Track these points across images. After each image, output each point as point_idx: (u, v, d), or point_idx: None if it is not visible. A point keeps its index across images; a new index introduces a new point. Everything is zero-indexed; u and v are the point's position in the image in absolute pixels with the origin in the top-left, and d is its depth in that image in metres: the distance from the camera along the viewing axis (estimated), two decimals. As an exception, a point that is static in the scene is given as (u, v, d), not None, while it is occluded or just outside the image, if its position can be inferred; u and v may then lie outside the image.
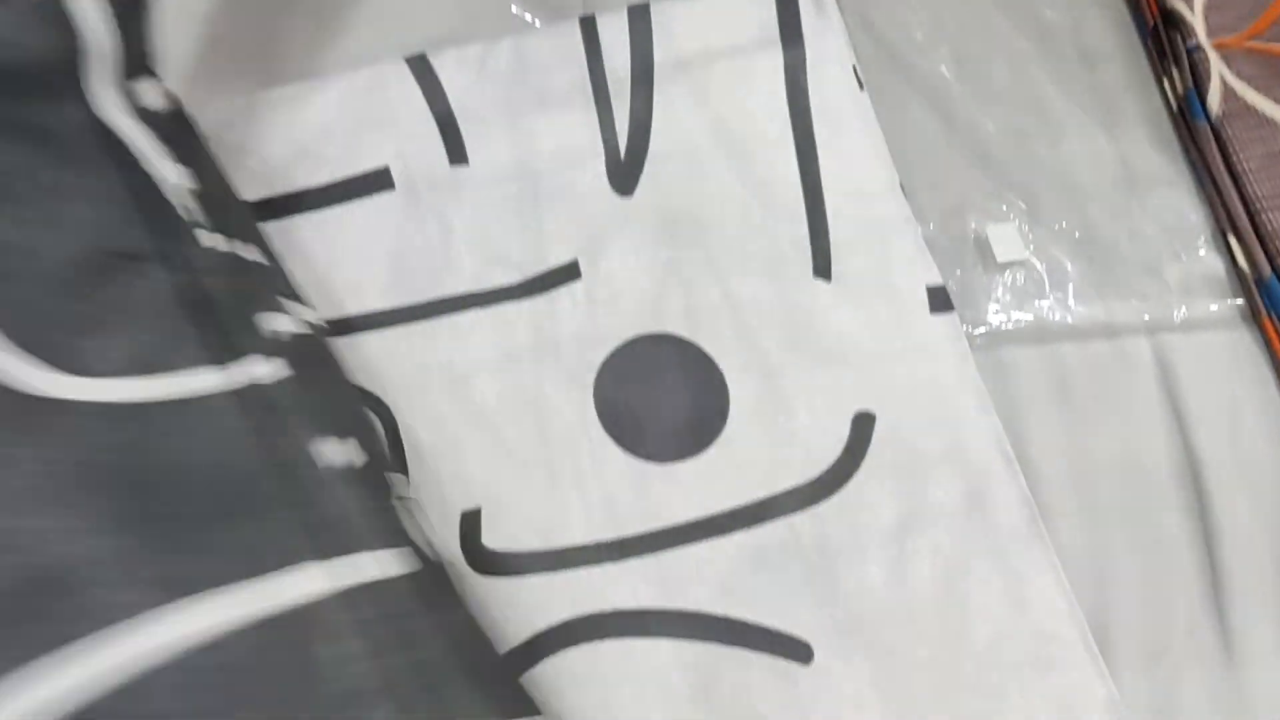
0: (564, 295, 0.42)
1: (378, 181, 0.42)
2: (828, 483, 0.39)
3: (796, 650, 0.37)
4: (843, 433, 0.40)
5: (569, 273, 0.42)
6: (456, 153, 0.44)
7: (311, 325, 0.37)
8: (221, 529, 0.28)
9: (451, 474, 0.39)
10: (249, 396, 0.30)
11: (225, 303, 0.33)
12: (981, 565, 0.38)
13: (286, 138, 0.43)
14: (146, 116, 0.35)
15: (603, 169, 0.44)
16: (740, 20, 0.46)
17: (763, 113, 0.45)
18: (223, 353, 0.31)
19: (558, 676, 0.36)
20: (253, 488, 0.29)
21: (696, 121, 0.44)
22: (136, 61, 0.35)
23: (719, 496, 0.39)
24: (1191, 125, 0.47)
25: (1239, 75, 0.46)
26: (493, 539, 0.38)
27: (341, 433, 0.32)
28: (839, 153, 0.44)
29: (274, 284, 0.37)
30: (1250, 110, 0.46)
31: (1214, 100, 0.46)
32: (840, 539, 0.39)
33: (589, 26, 0.45)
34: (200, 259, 0.33)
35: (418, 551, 0.32)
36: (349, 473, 0.31)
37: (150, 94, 0.36)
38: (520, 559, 0.38)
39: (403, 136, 0.43)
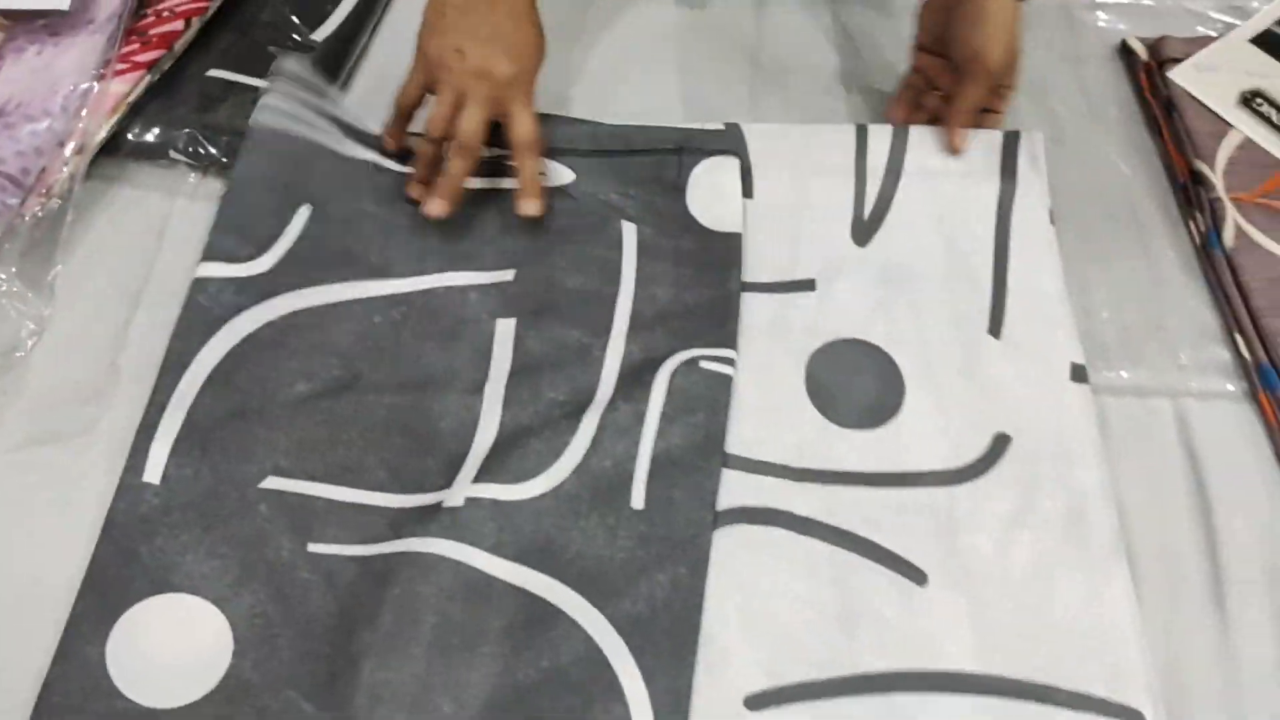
0: (800, 299, 0.57)
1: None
2: (965, 474, 0.52)
3: (916, 575, 0.49)
4: (984, 444, 0.53)
5: (807, 285, 0.57)
6: (746, 189, 0.60)
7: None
8: None
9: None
10: None
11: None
12: (1070, 562, 0.50)
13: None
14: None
15: (849, 224, 0.59)
16: (974, 152, 0.62)
17: (975, 217, 0.60)
18: None
19: (734, 540, 0.50)
20: None
21: (925, 210, 0.60)
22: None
23: (882, 461, 0.52)
24: (1210, 254, 0.61)
25: (1248, 220, 0.61)
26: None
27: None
28: (1024, 258, 0.59)
29: None
30: (1255, 246, 0.61)
31: (1228, 237, 0.61)
32: (965, 514, 0.51)
33: (862, 131, 0.62)
34: None
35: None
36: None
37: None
38: (731, 458, 0.52)
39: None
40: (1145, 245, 0.63)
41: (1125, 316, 0.60)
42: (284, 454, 0.51)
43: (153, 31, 0.61)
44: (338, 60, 0.66)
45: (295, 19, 0.67)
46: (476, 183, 0.60)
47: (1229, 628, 0.50)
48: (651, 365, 0.53)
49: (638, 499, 0.50)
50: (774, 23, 0.73)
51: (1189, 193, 0.64)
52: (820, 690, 0.46)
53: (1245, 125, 0.66)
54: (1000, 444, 0.53)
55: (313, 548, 0.49)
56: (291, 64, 0.59)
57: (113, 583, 0.47)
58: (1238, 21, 0.73)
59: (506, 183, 0.60)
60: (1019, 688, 0.47)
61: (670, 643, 0.46)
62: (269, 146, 0.58)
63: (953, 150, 0.61)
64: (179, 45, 0.61)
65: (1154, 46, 0.70)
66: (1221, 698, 0.48)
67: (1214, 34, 0.72)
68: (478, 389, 0.54)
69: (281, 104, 0.59)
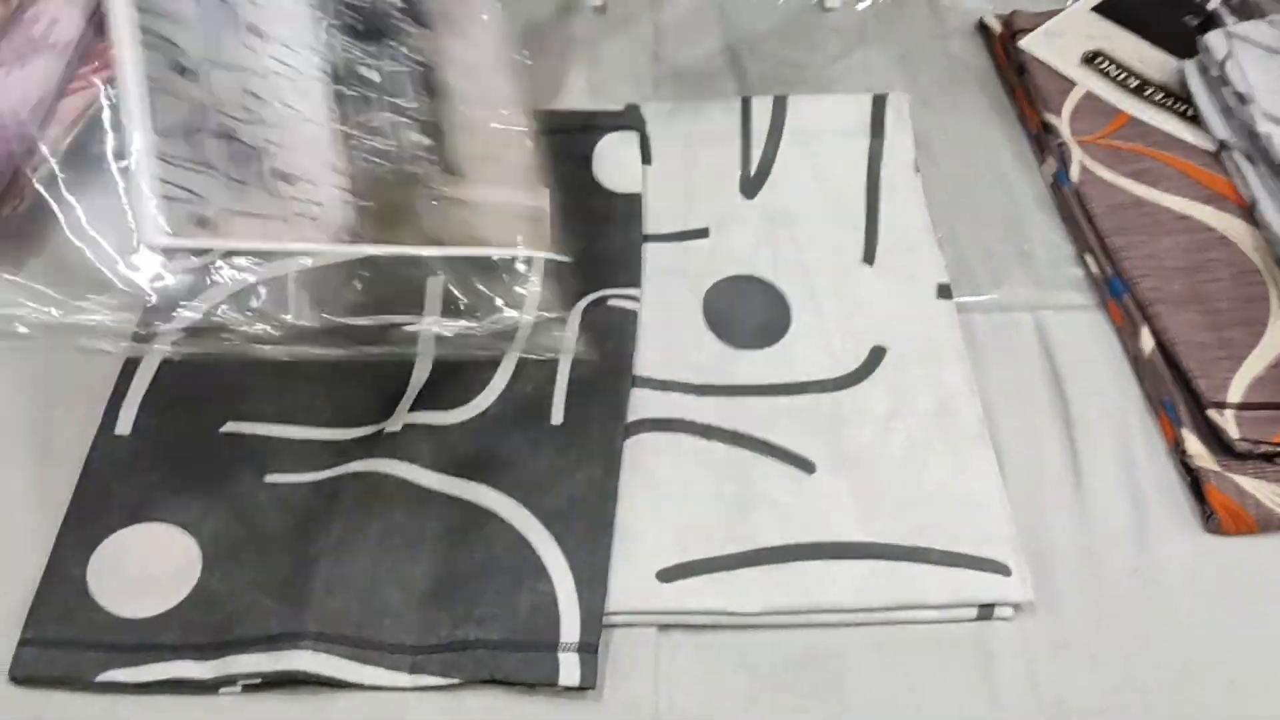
0: (696, 244, 0.65)
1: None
2: (847, 381, 0.59)
3: (805, 465, 0.56)
4: (862, 354, 0.60)
5: (702, 233, 0.65)
6: (645, 156, 0.68)
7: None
8: None
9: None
10: None
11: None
12: (939, 445, 0.57)
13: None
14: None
15: (737, 181, 0.67)
16: (846, 113, 0.70)
17: (849, 169, 0.68)
18: None
19: (646, 446, 0.56)
20: None
21: (805, 165, 0.68)
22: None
23: (773, 375, 0.59)
24: (1061, 190, 0.69)
25: (1092, 158, 0.69)
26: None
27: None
28: (893, 200, 0.67)
29: None
30: (1098, 179, 0.68)
31: (1075, 173, 0.69)
32: (847, 413, 0.58)
33: (746, 101, 0.70)
34: None
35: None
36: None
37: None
38: (639, 379, 0.59)
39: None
40: (1006, 187, 0.71)
41: (990, 247, 0.68)
42: (240, 402, 0.58)
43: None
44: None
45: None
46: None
47: (1085, 497, 0.57)
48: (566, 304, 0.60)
49: (556, 416, 0.57)
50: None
51: (1041, 140, 0.73)
52: (724, 563, 0.52)
53: (1088, 81, 0.74)
54: (877, 354, 0.60)
55: (269, 478, 0.55)
56: None
57: (91, 516, 0.53)
58: (1077, -7, 0.82)
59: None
60: (899, 551, 0.53)
61: (588, 529, 0.53)
62: None
63: None
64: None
65: (1007, 20, 0.79)
66: (1079, 554, 0.55)
67: (1061, 8, 0.81)
68: (412, 339, 0.60)
69: None
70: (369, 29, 0.52)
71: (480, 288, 0.53)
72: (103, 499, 0.54)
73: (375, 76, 0.51)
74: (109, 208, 0.46)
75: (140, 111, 0.43)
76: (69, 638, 0.50)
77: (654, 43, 0.80)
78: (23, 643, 0.49)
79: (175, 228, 0.43)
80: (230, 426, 0.57)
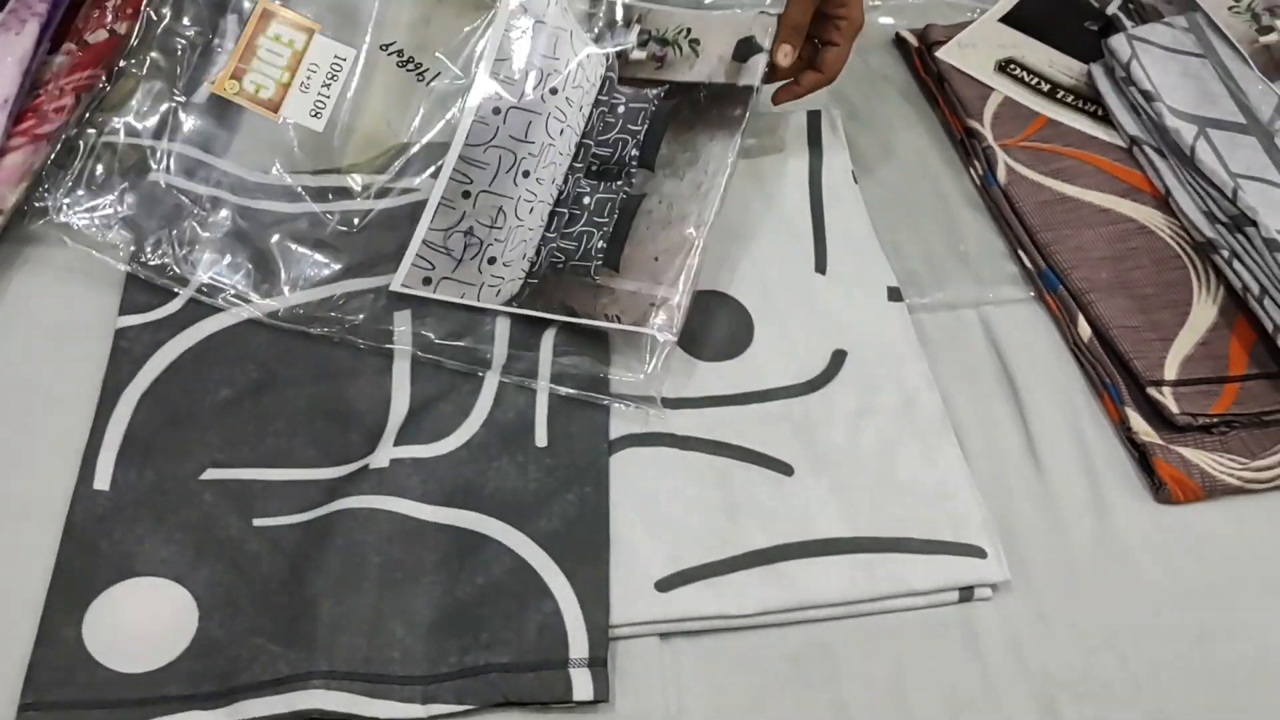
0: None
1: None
2: (813, 385, 0.62)
3: (784, 468, 0.58)
4: (825, 358, 0.63)
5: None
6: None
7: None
8: None
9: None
10: None
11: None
12: (907, 439, 0.59)
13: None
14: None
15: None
16: (785, 133, 0.73)
17: (792, 184, 0.71)
18: None
19: (628, 462, 0.58)
20: None
21: (751, 185, 0.70)
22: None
23: (743, 384, 0.62)
24: (989, 191, 0.73)
25: (1016, 160, 0.73)
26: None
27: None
28: (836, 210, 0.70)
29: None
30: (1023, 179, 0.72)
31: (1001, 175, 0.73)
32: (817, 415, 0.60)
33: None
34: None
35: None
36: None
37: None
38: (615, 396, 0.60)
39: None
40: (938, 191, 0.75)
41: (929, 249, 0.71)
42: (219, 449, 0.57)
43: (47, 107, 0.67)
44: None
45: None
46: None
47: (1045, 477, 0.60)
48: (538, 329, 0.62)
49: (541, 439, 0.58)
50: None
51: (966, 145, 0.77)
52: (717, 569, 0.54)
53: (1004, 87, 0.79)
54: (838, 358, 0.63)
55: (258, 522, 0.55)
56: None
57: (79, 575, 0.52)
58: (985, 5, 0.86)
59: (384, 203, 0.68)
60: (881, 543, 0.56)
61: (585, 547, 0.54)
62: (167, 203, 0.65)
63: (770, 61, 0.66)
64: (71, 119, 0.68)
65: (921, 34, 0.83)
66: (1046, 531, 0.58)
67: (970, 19, 0.85)
68: (385, 371, 0.61)
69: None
70: (602, 171, 0.66)
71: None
72: (90, 556, 0.53)
73: (588, 201, 0.65)
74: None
75: (428, 216, 0.66)
76: (71, 698, 0.49)
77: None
78: (23, 708, 0.48)
79: (410, 283, 0.64)
80: (210, 474, 0.56)
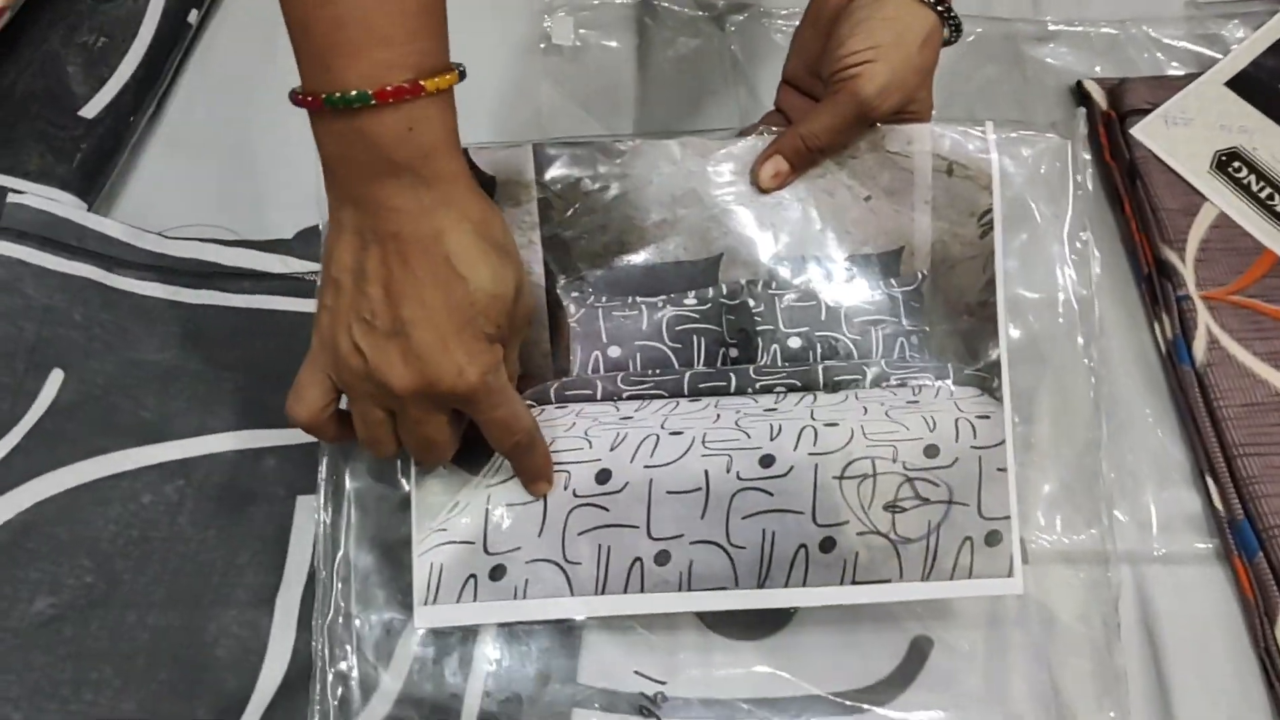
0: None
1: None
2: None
3: None
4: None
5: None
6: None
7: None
8: None
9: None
10: None
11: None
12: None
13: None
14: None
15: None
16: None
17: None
18: None
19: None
20: None
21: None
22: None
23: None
24: (1178, 369, 0.50)
25: (1223, 327, 0.50)
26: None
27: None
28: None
29: None
30: (1231, 360, 0.50)
31: (1199, 348, 0.50)
32: None
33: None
34: None
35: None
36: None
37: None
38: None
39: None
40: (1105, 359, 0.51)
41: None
42: (15, 704, 0.40)
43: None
44: (115, 141, 0.54)
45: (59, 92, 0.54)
46: (283, 304, 0.49)
47: None
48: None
49: None
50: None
51: (1154, 284, 0.53)
52: None
53: (1220, 198, 0.55)
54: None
55: None
56: (27, 206, 0.49)
57: None
58: (1210, 52, 0.61)
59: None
60: None
61: None
62: (3, 306, 0.47)
63: (753, 179, 0.43)
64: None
65: (1114, 91, 0.59)
66: None
67: (1181, 71, 0.60)
68: (268, 599, 0.43)
69: (15, 252, 0.48)
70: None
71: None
72: None
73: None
74: None
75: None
76: None
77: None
78: None
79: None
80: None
